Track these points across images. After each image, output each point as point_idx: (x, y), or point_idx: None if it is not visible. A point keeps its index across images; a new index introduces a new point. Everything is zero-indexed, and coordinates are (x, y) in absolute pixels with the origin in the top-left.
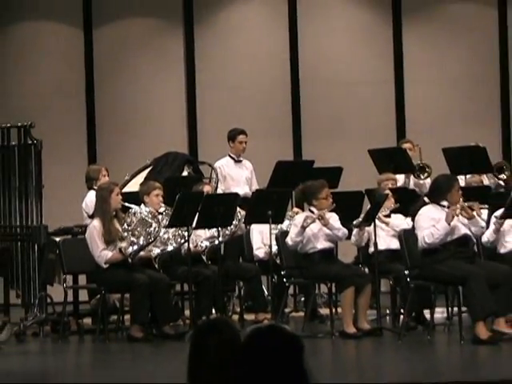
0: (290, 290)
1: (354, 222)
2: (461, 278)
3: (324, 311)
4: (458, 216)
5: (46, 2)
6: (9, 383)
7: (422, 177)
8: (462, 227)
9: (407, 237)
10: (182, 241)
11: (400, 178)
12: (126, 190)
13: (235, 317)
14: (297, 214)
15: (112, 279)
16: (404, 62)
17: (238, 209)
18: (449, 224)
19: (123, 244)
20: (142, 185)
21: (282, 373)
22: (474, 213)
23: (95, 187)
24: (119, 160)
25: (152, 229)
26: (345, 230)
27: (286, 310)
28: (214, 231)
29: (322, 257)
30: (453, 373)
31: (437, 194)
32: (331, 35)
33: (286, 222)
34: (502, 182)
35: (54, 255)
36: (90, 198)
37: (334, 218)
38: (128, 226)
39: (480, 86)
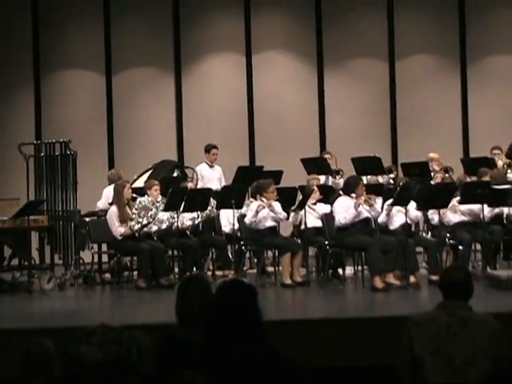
0: (247, 254)
1: (292, 208)
2: (363, 246)
3: (270, 269)
4: (362, 205)
5: (79, 55)
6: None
7: (338, 177)
8: (364, 212)
9: (327, 218)
10: (173, 220)
11: (322, 178)
12: (135, 185)
13: (209, 273)
14: (252, 202)
15: (125, 247)
16: (325, 98)
17: (211, 199)
18: (356, 210)
19: (132, 223)
20: (145, 182)
21: (242, 311)
22: (373, 202)
23: (113, 184)
24: (129, 164)
25: (152, 212)
26: (285, 214)
27: (244, 268)
28: (195, 214)
29: (269, 232)
30: (357, 311)
31: (348, 189)
32: (275, 80)
33: (244, 208)
34: (391, 180)
35: (85, 230)
36: (110, 191)
37: (277, 206)
38: (136, 210)
39: (377, 116)
